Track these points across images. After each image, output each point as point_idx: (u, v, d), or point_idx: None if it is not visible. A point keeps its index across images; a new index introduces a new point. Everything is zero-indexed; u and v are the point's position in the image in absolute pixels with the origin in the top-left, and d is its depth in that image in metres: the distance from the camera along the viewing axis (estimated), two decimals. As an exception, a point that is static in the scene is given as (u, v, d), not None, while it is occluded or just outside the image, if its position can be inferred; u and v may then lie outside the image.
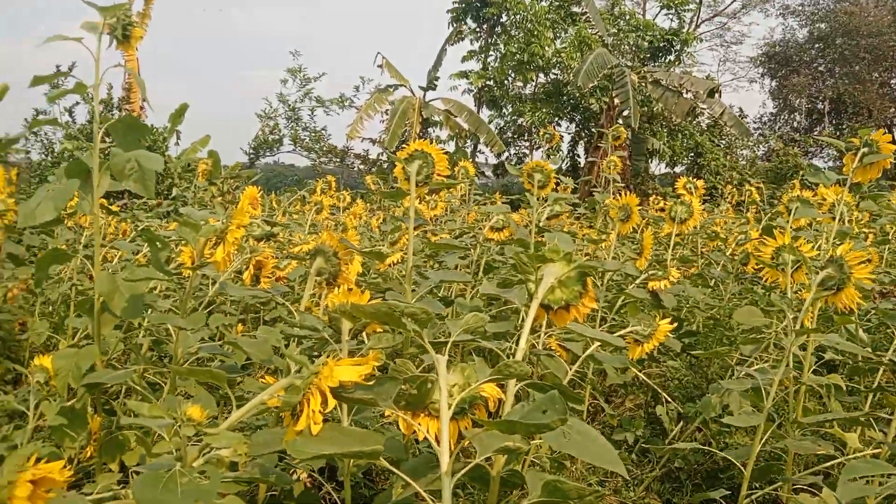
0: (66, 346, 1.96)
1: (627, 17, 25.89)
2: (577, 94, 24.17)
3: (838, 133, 28.45)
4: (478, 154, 26.46)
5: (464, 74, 26.05)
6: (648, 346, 2.07)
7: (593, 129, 24.86)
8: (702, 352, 3.05)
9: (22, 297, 3.96)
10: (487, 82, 25.99)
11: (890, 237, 3.74)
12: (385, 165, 25.33)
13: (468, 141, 25.55)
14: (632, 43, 25.33)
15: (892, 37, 28.51)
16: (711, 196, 12.90)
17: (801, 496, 1.90)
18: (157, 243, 1.98)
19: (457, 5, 26.12)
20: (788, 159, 22.35)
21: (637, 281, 2.95)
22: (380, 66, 23.84)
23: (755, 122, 32.52)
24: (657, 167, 26.41)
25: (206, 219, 2.02)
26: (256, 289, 2.44)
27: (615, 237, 3.28)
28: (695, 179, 3.95)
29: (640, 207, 3.19)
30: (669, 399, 3.09)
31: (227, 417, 1.18)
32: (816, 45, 31.69)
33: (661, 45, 25.05)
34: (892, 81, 31.19)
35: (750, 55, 35.27)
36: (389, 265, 3.57)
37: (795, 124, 32.96)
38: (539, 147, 25.88)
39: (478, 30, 26.60)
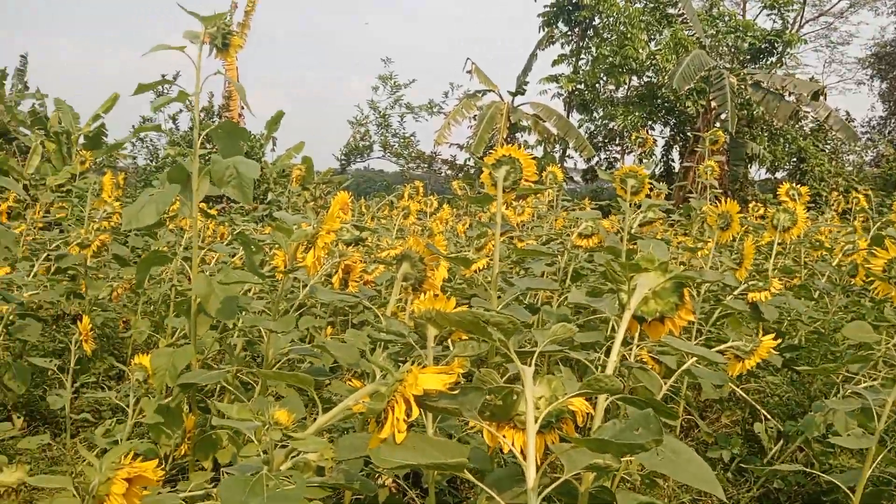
0: (164, 345, 2.04)
1: (727, 18, 24.99)
2: (672, 97, 23.52)
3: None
4: (566, 159, 26.15)
5: (554, 78, 25.82)
6: (750, 362, 1.97)
7: (689, 133, 24.12)
8: (807, 367, 2.88)
9: (126, 296, 4.18)
10: (578, 86, 25.66)
11: None
12: (472, 171, 25.40)
13: (557, 146, 25.28)
14: (731, 44, 24.45)
15: None
16: (815, 203, 12.29)
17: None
18: (252, 247, 2.03)
19: (548, 9, 25.94)
20: (900, 165, 21.01)
21: (736, 292, 2.82)
22: (469, 72, 23.94)
23: (863, 126, 30.65)
24: (757, 173, 25.40)
25: (299, 223, 2.05)
26: (345, 292, 2.47)
27: (713, 245, 3.14)
28: (798, 185, 3.74)
29: (739, 215, 3.05)
30: (768, 416, 2.93)
31: (315, 419, 1.18)
32: (932, 45, 29.67)
33: (763, 46, 24.05)
34: None
35: (858, 56, 33.40)
36: (475, 271, 3.56)
37: (907, 128, 30.92)
38: (631, 151, 25.35)
39: (569, 33, 26.31)
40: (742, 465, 2.79)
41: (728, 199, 3.23)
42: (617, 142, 26.70)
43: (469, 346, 1.44)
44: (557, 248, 3.43)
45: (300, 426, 1.22)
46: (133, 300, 4.19)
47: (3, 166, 11.27)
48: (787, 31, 24.91)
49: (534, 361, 1.12)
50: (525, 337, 1.98)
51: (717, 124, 21.10)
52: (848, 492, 1.92)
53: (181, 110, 20.57)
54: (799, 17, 28.36)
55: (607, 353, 2.08)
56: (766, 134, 23.42)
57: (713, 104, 21.31)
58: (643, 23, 23.64)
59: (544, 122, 23.81)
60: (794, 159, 23.80)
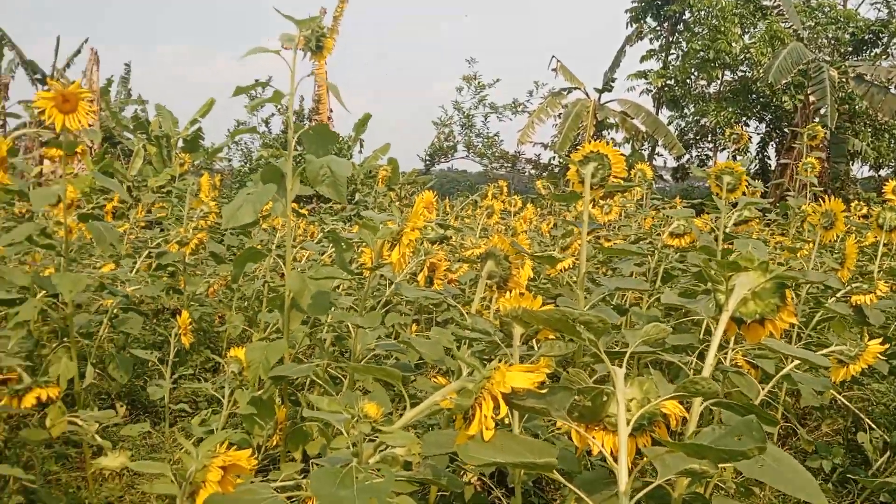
0: (258, 339, 2.11)
1: (826, 9, 23.75)
2: (768, 92, 22.53)
3: None
4: (655, 157, 25.51)
5: (642, 74, 25.22)
6: (855, 367, 1.86)
7: (785, 129, 23.06)
8: (918, 376, 2.70)
9: (221, 292, 4.35)
10: (668, 82, 24.97)
11: None
12: (556, 170, 25.12)
13: (645, 143, 24.69)
14: (831, 36, 23.22)
15: None
16: (925, 201, 11.45)
17: None
18: (342, 244, 2.07)
19: (636, 4, 25.37)
20: None
21: (839, 294, 2.67)
22: (554, 70, 23.69)
23: (981, 120, 28.50)
24: (859, 170, 24.00)
25: (385, 222, 2.08)
26: (430, 290, 2.48)
27: (815, 246, 2.99)
28: (906, 184, 3.51)
29: (843, 213, 2.89)
30: (873, 426, 2.77)
31: (400, 415, 1.19)
32: None
33: (866, 37, 22.72)
34: None
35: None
36: (560, 271, 3.51)
37: None
38: (724, 148, 24.46)
39: (658, 28, 25.65)
40: (848, 476, 2.65)
41: (830, 197, 3.07)
42: (709, 139, 25.82)
43: (556, 345, 1.42)
44: (647, 247, 3.34)
45: (387, 421, 1.23)
46: (228, 296, 4.36)
47: (109, 169, 11.95)
48: (894, 21, 23.44)
49: (625, 363, 1.09)
50: (613, 338, 1.93)
51: (816, 119, 20.10)
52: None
53: (273, 114, 21.29)
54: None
55: (699, 357, 2.01)
56: (869, 129, 22.13)
57: (812, 98, 20.31)
58: (736, 16, 22.75)
59: (632, 119, 23.30)
60: (901, 156, 22.40)
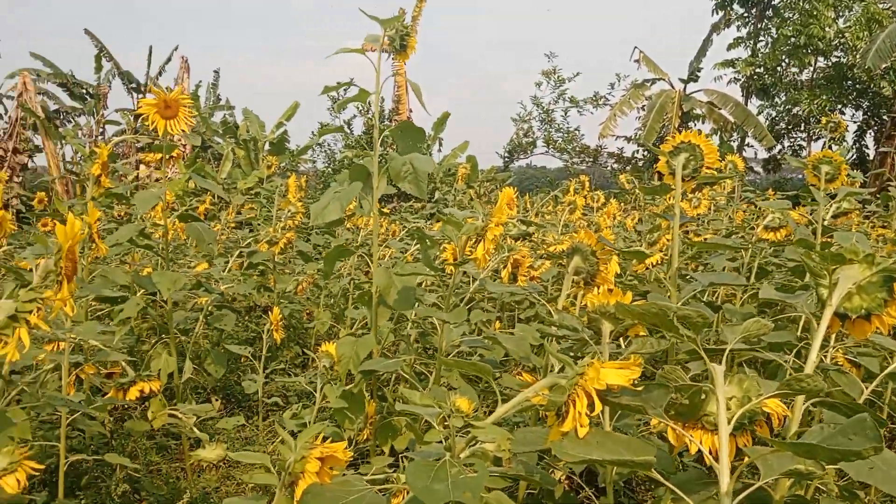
0: (345, 335, 2.15)
1: (930, -14, 22.29)
2: (865, 78, 21.32)
3: None
4: (745, 148, 24.54)
5: (730, 63, 24.30)
6: (972, 366, 1.74)
7: (884, 117, 21.78)
8: None
9: (309, 289, 4.46)
10: (757, 70, 23.99)
11: None
12: (640, 163, 24.53)
13: (734, 134, 23.79)
14: (935, 15, 21.78)
15: None
16: None
17: None
18: (427, 241, 2.09)
19: (722, -8, 24.51)
20: None
21: (951, 289, 2.50)
22: (636, 61, 23.12)
23: None
24: (969, 158, 22.41)
25: (467, 218, 2.09)
26: (513, 286, 2.47)
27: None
28: None
29: (955, 203, 2.71)
30: None
31: (486, 411, 1.19)
32: None
33: (973, 15, 21.21)
34: None
35: None
36: (647, 266, 3.43)
37: None
38: (819, 138, 23.31)
39: (746, 15, 24.67)
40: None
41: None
42: (802, 128, 24.66)
43: (647, 342, 1.38)
44: (739, 242, 3.22)
45: (476, 417, 1.23)
46: (315, 293, 4.47)
47: (201, 172, 12.44)
48: None
49: (724, 360, 1.05)
50: (706, 336, 1.87)
51: (921, 105, 18.91)
52: None
53: (355, 116, 21.71)
54: None
55: (797, 356, 1.93)
56: (981, 114, 20.66)
57: (914, 83, 19.12)
58: (830, -1, 21.67)
59: (720, 109, 22.50)
60: None
